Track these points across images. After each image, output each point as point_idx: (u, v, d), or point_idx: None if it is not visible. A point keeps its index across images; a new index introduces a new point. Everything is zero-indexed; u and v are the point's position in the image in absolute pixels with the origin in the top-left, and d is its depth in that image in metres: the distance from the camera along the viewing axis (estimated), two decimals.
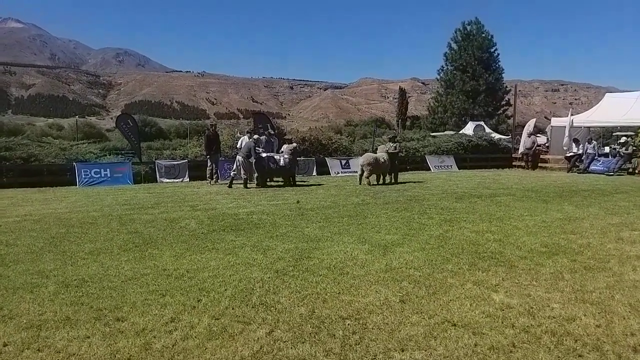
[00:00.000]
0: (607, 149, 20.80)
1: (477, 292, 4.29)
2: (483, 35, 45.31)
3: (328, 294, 4.21)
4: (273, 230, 7.01)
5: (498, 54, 46.36)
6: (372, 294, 4.22)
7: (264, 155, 13.72)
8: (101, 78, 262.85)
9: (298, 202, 9.41)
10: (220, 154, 15.51)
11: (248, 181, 13.37)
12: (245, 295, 4.18)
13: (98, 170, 14.57)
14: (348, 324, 3.58)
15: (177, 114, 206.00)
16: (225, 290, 4.32)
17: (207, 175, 14.73)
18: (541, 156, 21.61)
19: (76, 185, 13.99)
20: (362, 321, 3.63)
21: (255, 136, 14.00)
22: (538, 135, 29.34)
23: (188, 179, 15.60)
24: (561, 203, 9.92)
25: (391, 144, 15.00)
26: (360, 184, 13.81)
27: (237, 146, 14.99)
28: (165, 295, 4.19)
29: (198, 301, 4.05)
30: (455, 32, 46.59)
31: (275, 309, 3.88)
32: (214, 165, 14.70)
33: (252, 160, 13.12)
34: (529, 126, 21.63)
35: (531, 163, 20.86)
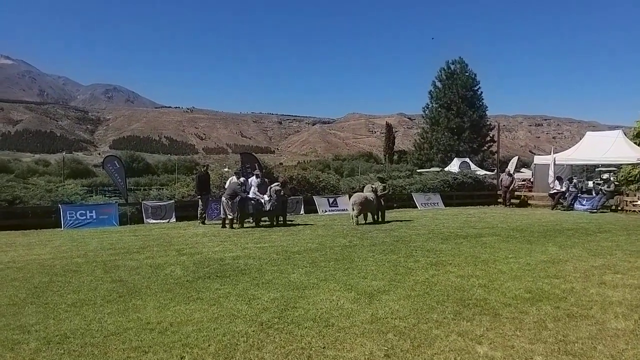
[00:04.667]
0: (590, 184, 21.20)
1: (462, 344, 4.30)
2: (467, 74, 46.63)
3: (313, 349, 4.19)
4: (259, 277, 6.98)
5: (481, 92, 47.66)
6: (357, 348, 4.21)
7: (250, 195, 13.81)
8: (90, 114, 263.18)
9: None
10: (210, 195, 15.52)
11: (234, 222, 13.39)
12: (229, 352, 4.14)
13: (84, 212, 14.46)
14: None
15: (165, 149, 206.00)
16: (209, 345, 4.28)
17: (199, 216, 14.73)
18: (526, 193, 21.89)
19: (61, 227, 13.84)
20: None
21: (242, 179, 14.15)
22: (521, 170, 29.86)
23: (175, 220, 15.54)
24: (545, 244, 10.04)
25: (379, 184, 15.20)
26: (358, 224, 13.76)
27: (225, 186, 15.06)
28: (148, 352, 4.14)
29: (181, 359, 4.01)
30: (440, 71, 47.92)
31: None
32: (203, 206, 14.70)
33: (237, 200, 13.23)
34: (512, 164, 22.01)
35: (508, 201, 21.03)
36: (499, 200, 22.03)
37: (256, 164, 17.14)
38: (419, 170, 37.34)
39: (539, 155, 26.82)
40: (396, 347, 4.22)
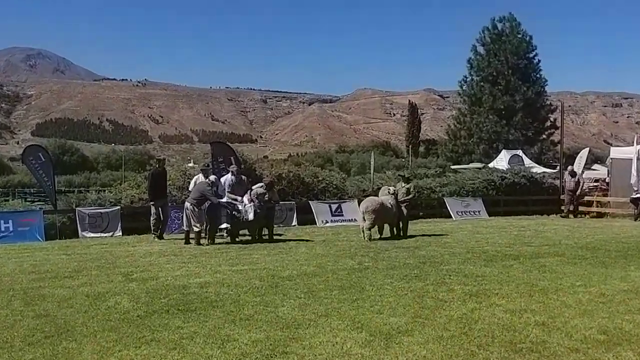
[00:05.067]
0: None
1: None
2: (519, 36, 46.54)
3: None
4: (236, 311, 7.00)
5: (539, 61, 47.54)
6: None
7: (224, 201, 13.81)
8: (5, 88, 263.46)
9: None
10: (168, 199, 15.52)
11: (201, 236, 13.41)
12: None
13: None
14: None
15: (108, 136, 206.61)
16: None
17: (152, 228, 14.68)
18: (600, 199, 21.90)
19: None
20: None
21: (213, 177, 14.12)
22: (593, 167, 29.84)
23: (121, 233, 15.59)
24: (626, 267, 10.07)
25: (401, 185, 15.13)
26: (370, 239, 13.77)
27: (190, 188, 15.07)
28: None
29: None
30: (483, 31, 47.93)
31: None
32: (160, 214, 14.63)
33: (205, 206, 13.26)
34: (581, 159, 22.01)
35: (576, 210, 21.15)
36: (562, 207, 22.07)
37: (232, 158, 17.17)
38: (453, 167, 37.45)
39: (617, 146, 26.87)
40: None
